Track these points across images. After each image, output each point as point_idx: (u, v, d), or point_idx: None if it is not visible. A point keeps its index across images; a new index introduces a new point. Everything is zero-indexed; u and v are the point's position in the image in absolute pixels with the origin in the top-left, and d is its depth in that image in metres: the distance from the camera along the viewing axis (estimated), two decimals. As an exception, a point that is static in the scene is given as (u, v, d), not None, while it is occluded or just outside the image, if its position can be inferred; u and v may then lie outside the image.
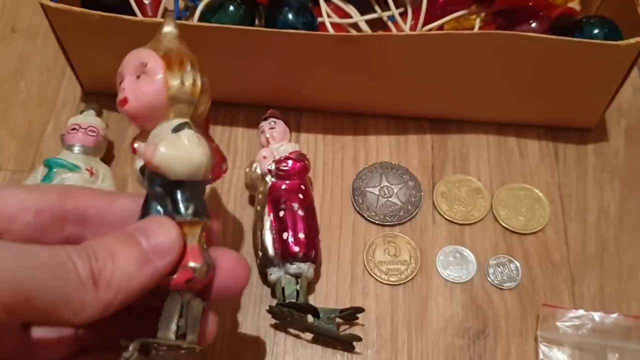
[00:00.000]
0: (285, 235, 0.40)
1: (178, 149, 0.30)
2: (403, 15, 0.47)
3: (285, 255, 0.40)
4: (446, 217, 0.45)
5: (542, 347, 0.40)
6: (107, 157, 0.47)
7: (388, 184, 0.47)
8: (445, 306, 0.42)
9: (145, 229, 0.28)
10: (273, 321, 0.41)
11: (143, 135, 0.32)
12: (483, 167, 0.48)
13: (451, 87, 0.47)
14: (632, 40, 0.41)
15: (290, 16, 0.45)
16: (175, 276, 0.29)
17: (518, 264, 0.43)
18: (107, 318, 0.27)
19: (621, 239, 0.45)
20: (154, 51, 0.31)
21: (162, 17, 0.49)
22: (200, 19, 0.46)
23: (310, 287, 0.42)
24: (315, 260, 0.41)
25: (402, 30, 0.46)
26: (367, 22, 0.47)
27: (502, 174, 0.47)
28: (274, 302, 0.41)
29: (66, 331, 0.31)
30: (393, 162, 0.48)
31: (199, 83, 0.32)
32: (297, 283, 0.40)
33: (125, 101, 0.31)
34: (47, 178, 0.42)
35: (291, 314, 0.39)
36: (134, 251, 0.27)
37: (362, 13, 0.47)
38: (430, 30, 0.46)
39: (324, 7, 0.46)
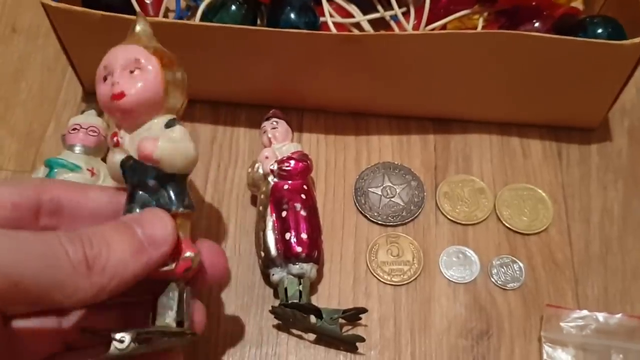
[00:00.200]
0: (287, 235, 0.40)
1: (177, 144, 0.31)
2: (406, 14, 0.47)
3: (287, 255, 0.40)
4: (449, 217, 0.45)
5: (546, 348, 0.40)
6: (108, 157, 0.47)
7: (391, 184, 0.46)
8: (449, 307, 0.42)
9: (141, 220, 0.29)
10: (276, 322, 0.41)
11: (125, 130, 0.33)
12: (486, 167, 0.48)
13: (454, 87, 0.46)
14: (636, 40, 0.41)
15: (292, 16, 0.45)
16: (175, 265, 0.30)
17: (521, 265, 0.43)
18: (91, 313, 0.28)
19: (625, 239, 0.45)
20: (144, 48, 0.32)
21: (165, 16, 0.49)
22: (202, 19, 0.46)
23: (313, 287, 0.42)
24: (318, 261, 0.41)
25: (404, 29, 0.46)
26: (370, 21, 0.47)
27: (505, 174, 0.47)
28: (277, 303, 0.40)
29: (49, 322, 0.32)
30: (396, 162, 0.47)
31: (186, 79, 0.33)
32: (300, 283, 0.40)
33: (122, 95, 0.31)
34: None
35: (294, 315, 0.39)
36: (129, 240, 0.28)
37: (365, 13, 0.47)
38: (433, 29, 0.46)
39: (326, 6, 0.46)
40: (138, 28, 0.34)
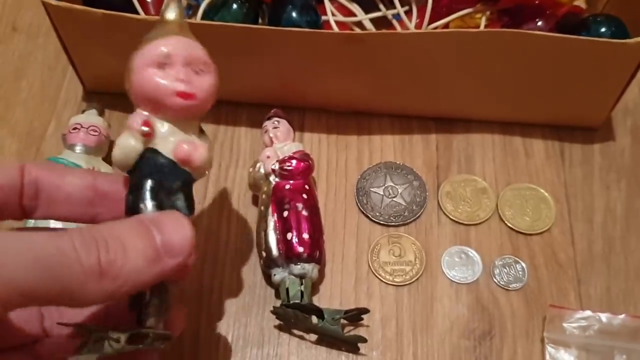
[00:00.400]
0: (289, 235, 0.40)
1: (210, 153, 0.31)
2: (408, 13, 0.47)
3: (289, 255, 0.39)
4: (451, 217, 0.45)
5: (549, 349, 0.40)
6: (109, 157, 0.46)
7: (392, 184, 0.46)
8: (451, 307, 0.42)
9: (162, 224, 0.28)
10: (277, 322, 0.40)
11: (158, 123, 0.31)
12: (488, 166, 0.47)
13: (456, 86, 0.46)
14: (639, 39, 0.41)
15: (294, 14, 0.44)
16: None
17: (524, 265, 0.43)
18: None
19: (628, 239, 0.44)
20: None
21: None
22: (203, 18, 0.45)
23: (315, 287, 0.42)
24: (320, 261, 0.41)
25: (407, 28, 0.46)
26: (372, 20, 0.47)
27: (508, 173, 0.47)
28: (278, 303, 0.40)
29: (33, 312, 0.32)
30: (397, 162, 0.47)
31: None
32: (302, 284, 0.39)
33: (192, 96, 0.30)
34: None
35: (295, 315, 0.39)
36: (146, 246, 0.27)
37: (367, 11, 0.47)
38: (435, 28, 0.46)
39: (328, 5, 0.46)
40: (173, 15, 0.32)
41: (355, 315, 0.40)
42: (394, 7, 0.46)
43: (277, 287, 0.41)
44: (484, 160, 0.48)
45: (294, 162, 0.42)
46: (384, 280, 0.42)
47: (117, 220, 0.28)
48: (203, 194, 0.45)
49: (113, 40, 0.44)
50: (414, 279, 0.42)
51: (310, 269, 0.40)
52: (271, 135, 0.43)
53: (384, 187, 0.46)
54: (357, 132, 0.49)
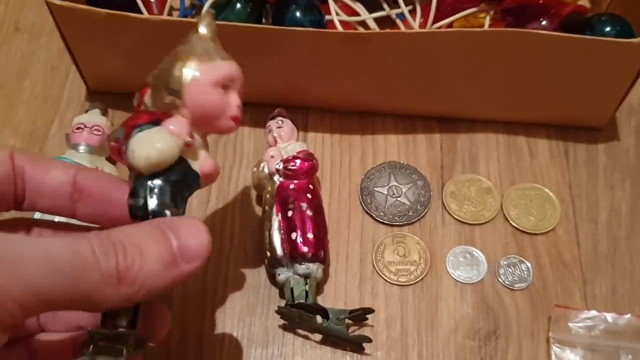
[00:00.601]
0: (293, 235, 0.40)
1: None
2: (412, 13, 0.47)
3: (293, 255, 0.39)
4: (456, 217, 0.45)
5: (554, 349, 0.39)
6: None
7: (397, 184, 0.46)
8: (456, 307, 0.41)
9: (179, 229, 0.27)
10: (282, 322, 0.40)
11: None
12: (493, 166, 0.47)
13: (460, 86, 0.46)
14: (644, 38, 0.41)
15: (297, 14, 0.44)
16: None
17: (529, 265, 0.43)
18: None
19: (633, 238, 0.44)
20: None
21: (169, 14, 0.48)
22: (206, 17, 0.45)
23: (319, 287, 0.41)
24: (324, 261, 0.40)
25: (411, 28, 0.46)
26: (376, 20, 0.47)
27: (512, 173, 0.47)
28: (283, 303, 0.40)
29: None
30: (402, 162, 0.47)
31: None
32: (306, 283, 0.39)
33: (238, 120, 0.32)
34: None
35: (300, 315, 0.38)
36: (163, 251, 0.27)
37: (371, 11, 0.47)
38: (439, 28, 0.46)
39: (332, 4, 0.46)
40: (206, 30, 0.32)
41: (360, 315, 0.40)
42: (398, 7, 0.46)
43: (281, 287, 0.41)
44: (489, 160, 0.48)
45: (298, 161, 0.42)
46: (388, 280, 0.42)
47: (133, 224, 0.28)
48: (207, 194, 0.45)
49: (116, 40, 0.44)
50: (418, 279, 0.42)
51: (314, 268, 0.40)
52: (275, 134, 0.43)
53: (388, 186, 0.46)
54: (361, 131, 0.49)
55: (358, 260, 0.43)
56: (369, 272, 0.43)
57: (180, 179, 0.30)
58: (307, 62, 0.44)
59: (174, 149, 0.29)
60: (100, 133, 0.44)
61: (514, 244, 0.44)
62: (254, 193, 0.45)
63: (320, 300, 0.41)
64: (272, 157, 0.42)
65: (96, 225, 0.32)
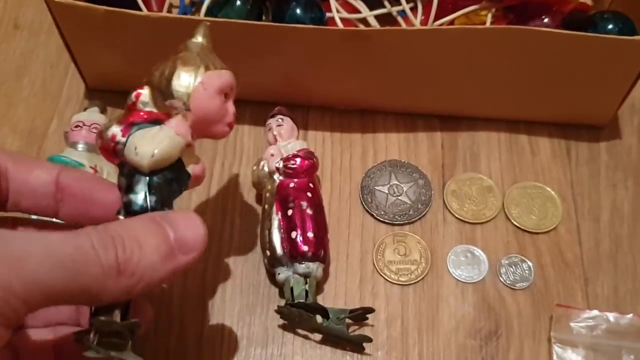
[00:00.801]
0: (293, 234, 0.39)
1: None
2: (413, 10, 0.47)
3: (293, 254, 0.39)
4: (457, 216, 0.45)
5: (556, 348, 0.39)
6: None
7: (397, 183, 0.46)
8: (457, 306, 0.41)
9: (175, 222, 0.28)
10: (281, 322, 0.40)
11: None
12: (494, 165, 0.47)
13: (462, 84, 0.46)
14: (647, 36, 0.41)
15: (298, 11, 0.44)
16: None
17: (530, 264, 0.43)
18: None
19: (635, 237, 0.44)
20: None
21: (168, 11, 0.48)
22: (206, 15, 0.45)
23: (319, 287, 0.41)
24: (324, 260, 0.40)
25: (412, 25, 0.46)
26: (377, 17, 0.47)
27: (514, 172, 0.47)
28: (282, 302, 0.40)
29: None
30: (402, 160, 0.47)
31: None
32: (306, 283, 0.39)
33: (233, 126, 0.34)
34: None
35: (300, 315, 0.38)
36: (160, 243, 0.27)
37: (372, 8, 0.47)
38: (441, 25, 0.46)
39: (332, 2, 0.46)
40: (203, 39, 0.34)
41: (360, 315, 0.40)
42: (399, 4, 0.46)
43: (281, 286, 0.40)
44: (490, 158, 0.47)
45: (298, 160, 0.41)
46: (389, 279, 0.42)
47: (129, 218, 0.29)
48: (207, 192, 0.45)
49: (115, 37, 0.44)
50: (419, 278, 0.42)
51: (314, 268, 0.39)
52: (275, 133, 0.43)
53: (388, 185, 0.46)
54: (362, 130, 0.48)
55: (358, 259, 0.43)
56: (370, 271, 0.42)
57: (175, 178, 0.31)
58: (308, 60, 0.44)
59: (177, 147, 0.31)
60: (99, 131, 0.44)
61: (515, 243, 0.44)
62: (253, 192, 0.45)
63: (321, 300, 0.40)
64: (272, 155, 0.42)
65: (79, 225, 0.32)
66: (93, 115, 0.45)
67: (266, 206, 0.41)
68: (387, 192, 0.45)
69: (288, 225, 0.40)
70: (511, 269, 0.43)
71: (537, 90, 0.46)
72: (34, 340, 0.32)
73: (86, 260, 0.25)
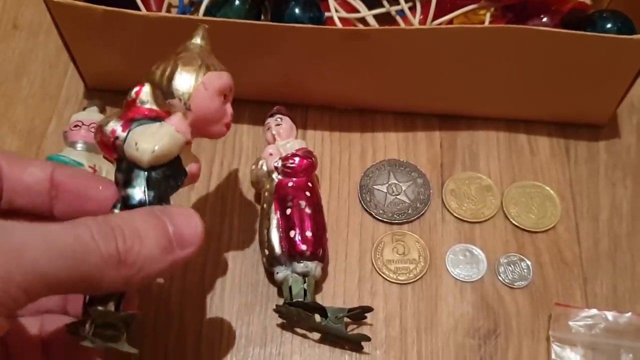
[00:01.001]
0: (292, 233, 0.39)
1: None
2: (412, 9, 0.46)
3: (292, 253, 0.39)
4: (455, 215, 0.45)
5: (555, 347, 0.39)
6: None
7: (396, 182, 0.46)
8: (455, 305, 0.41)
9: (173, 216, 0.29)
10: (280, 321, 0.40)
11: None
12: (493, 164, 0.47)
13: (461, 83, 0.46)
14: (646, 34, 0.41)
15: (297, 11, 0.44)
16: None
17: (529, 263, 0.43)
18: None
19: (634, 236, 0.44)
20: None
21: (167, 11, 0.48)
22: (205, 14, 0.45)
23: (318, 286, 0.41)
24: (323, 259, 0.40)
25: (411, 24, 0.46)
26: (375, 17, 0.47)
27: (513, 171, 0.47)
28: (281, 302, 0.40)
29: None
30: (401, 160, 0.47)
31: None
32: (305, 282, 0.39)
33: (229, 127, 0.34)
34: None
35: (298, 314, 0.38)
36: (160, 236, 0.28)
37: (370, 8, 0.46)
38: (439, 24, 0.46)
39: (331, 1, 0.46)
40: (202, 41, 0.34)
41: (359, 314, 0.40)
42: (398, 3, 0.46)
43: (280, 285, 0.40)
44: (489, 157, 0.47)
45: (296, 159, 0.41)
46: (387, 278, 0.42)
47: (128, 211, 0.30)
48: (206, 191, 0.45)
49: (114, 37, 0.44)
50: (418, 277, 0.42)
51: (313, 267, 0.39)
52: (274, 132, 0.43)
53: (387, 184, 0.46)
54: (361, 129, 0.48)
55: (357, 258, 0.43)
56: (368, 270, 0.42)
57: (173, 174, 0.31)
58: (307, 60, 0.44)
59: (177, 144, 0.31)
60: (98, 131, 0.44)
61: (514, 242, 0.44)
62: (252, 191, 0.45)
63: (319, 299, 0.40)
64: (271, 154, 0.42)
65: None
66: (92, 115, 0.45)
67: (265, 205, 0.41)
68: (386, 191, 0.45)
69: (287, 225, 0.40)
70: (510, 267, 0.43)
71: (536, 90, 0.46)
72: (21, 329, 0.32)
73: (86, 250, 0.25)
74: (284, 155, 0.42)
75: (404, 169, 0.46)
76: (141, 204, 0.30)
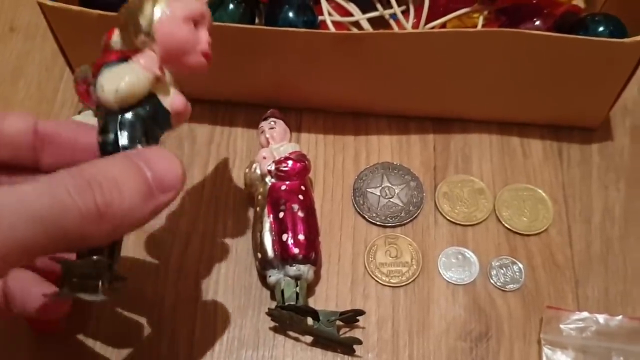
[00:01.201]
0: (284, 236, 0.40)
1: None
2: (405, 13, 0.47)
3: (284, 257, 0.39)
4: (448, 218, 0.45)
5: (546, 350, 0.39)
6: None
7: (389, 185, 0.46)
8: (448, 308, 0.41)
9: (151, 161, 0.27)
10: (272, 324, 0.40)
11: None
12: (486, 167, 0.47)
13: (454, 86, 0.46)
14: (638, 38, 0.40)
15: (290, 14, 0.44)
16: None
17: (521, 266, 0.43)
18: None
19: (626, 239, 0.44)
20: None
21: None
22: (199, 18, 0.45)
23: (310, 289, 0.41)
24: (316, 262, 0.40)
25: (404, 28, 0.46)
26: (369, 20, 0.47)
27: (505, 174, 0.47)
28: (274, 305, 0.40)
29: None
30: (395, 163, 0.47)
31: None
32: (297, 285, 0.39)
33: (210, 59, 0.32)
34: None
35: (291, 317, 0.38)
36: (139, 183, 0.27)
37: (364, 11, 0.47)
38: (432, 28, 0.46)
39: (325, 5, 0.46)
40: None
41: (351, 317, 0.40)
42: (391, 7, 0.46)
43: (272, 289, 0.41)
44: (482, 160, 0.47)
45: (290, 162, 0.42)
46: (380, 281, 0.42)
47: (103, 158, 0.28)
48: (199, 194, 0.45)
49: (109, 41, 0.44)
50: (410, 280, 0.42)
51: (305, 270, 0.40)
52: (267, 135, 0.43)
53: (380, 187, 0.46)
54: (354, 132, 0.49)
55: (350, 261, 0.43)
56: (361, 273, 0.43)
57: (151, 115, 0.30)
58: (300, 63, 0.44)
59: (143, 81, 0.30)
60: (92, 134, 0.44)
61: (506, 245, 0.44)
62: (245, 194, 0.45)
63: (312, 302, 0.41)
64: (264, 158, 0.42)
65: None
66: (88, 119, 0.45)
67: (258, 209, 0.42)
68: (379, 194, 0.46)
69: (279, 228, 0.40)
70: (502, 270, 0.43)
71: (529, 93, 0.46)
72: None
73: (64, 209, 0.24)
74: (277, 158, 0.42)
75: (397, 172, 0.47)
76: (115, 148, 0.29)
